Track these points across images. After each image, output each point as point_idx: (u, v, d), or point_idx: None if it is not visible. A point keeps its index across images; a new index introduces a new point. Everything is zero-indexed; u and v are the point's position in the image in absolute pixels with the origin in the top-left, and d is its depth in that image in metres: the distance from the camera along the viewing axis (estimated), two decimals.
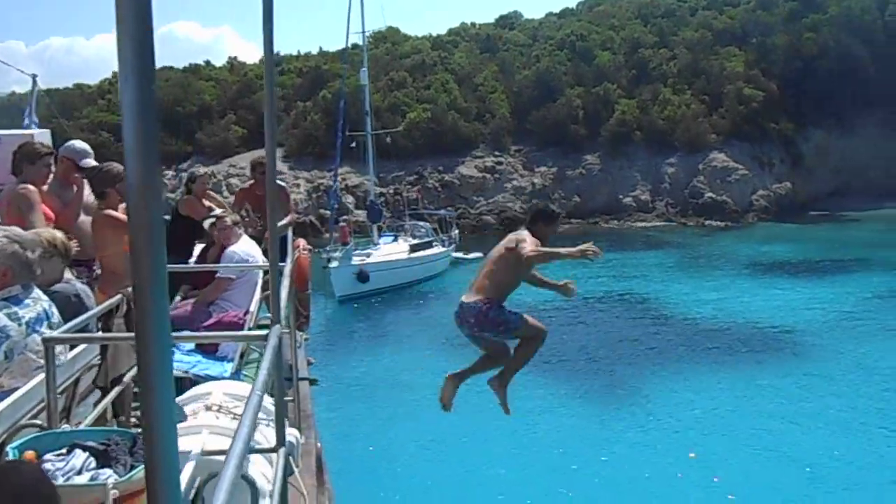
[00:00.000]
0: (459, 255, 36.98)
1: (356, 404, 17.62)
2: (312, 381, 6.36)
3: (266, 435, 3.32)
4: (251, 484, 2.96)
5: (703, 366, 20.36)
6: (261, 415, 2.83)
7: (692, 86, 55.10)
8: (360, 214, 42.28)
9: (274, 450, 3.10)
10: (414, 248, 32.54)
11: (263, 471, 3.22)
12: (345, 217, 39.22)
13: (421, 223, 36.18)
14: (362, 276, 29.15)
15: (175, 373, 3.77)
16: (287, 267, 4.85)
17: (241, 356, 5.53)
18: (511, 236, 6.20)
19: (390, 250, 31.50)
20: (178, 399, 3.55)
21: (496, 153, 52.97)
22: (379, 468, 14.07)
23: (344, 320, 26.86)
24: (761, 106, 52.88)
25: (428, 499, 12.87)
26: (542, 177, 52.37)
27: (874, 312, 25.61)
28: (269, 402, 3.24)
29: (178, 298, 6.36)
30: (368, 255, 30.72)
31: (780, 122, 53.66)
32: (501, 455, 14.41)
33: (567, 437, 15.47)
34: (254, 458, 3.17)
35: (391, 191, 46.96)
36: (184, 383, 4.53)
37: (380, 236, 33.13)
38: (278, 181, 4.42)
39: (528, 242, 5.84)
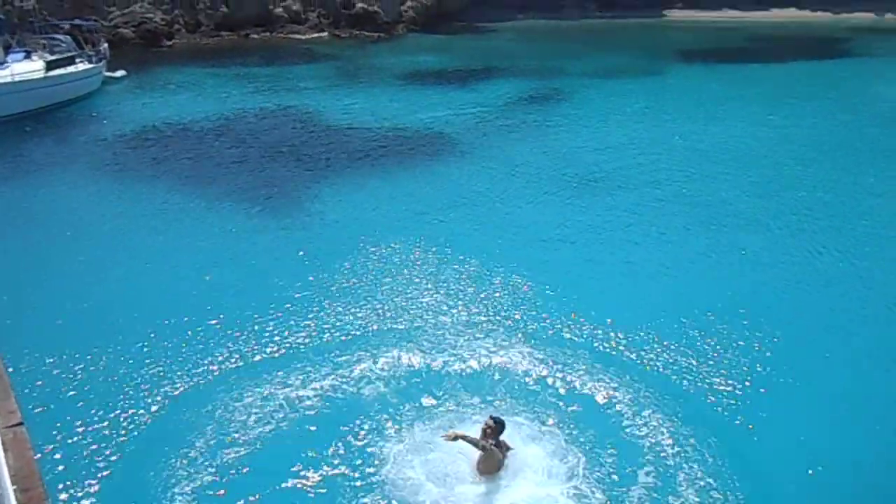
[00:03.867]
0: (107, 74, 35.56)
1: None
2: None
3: None
4: None
5: (366, 169, 23.48)
6: None
7: None
8: None
9: None
10: (51, 66, 30.61)
11: None
12: None
13: (60, 36, 33.81)
14: None
15: None
16: None
17: None
18: None
19: (22, 69, 29.33)
20: None
21: None
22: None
23: None
24: None
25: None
26: None
27: (508, 110, 31.12)
28: None
29: None
30: None
31: None
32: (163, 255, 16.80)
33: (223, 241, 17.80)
34: None
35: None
36: None
37: (7, 53, 30.50)
38: None
39: None
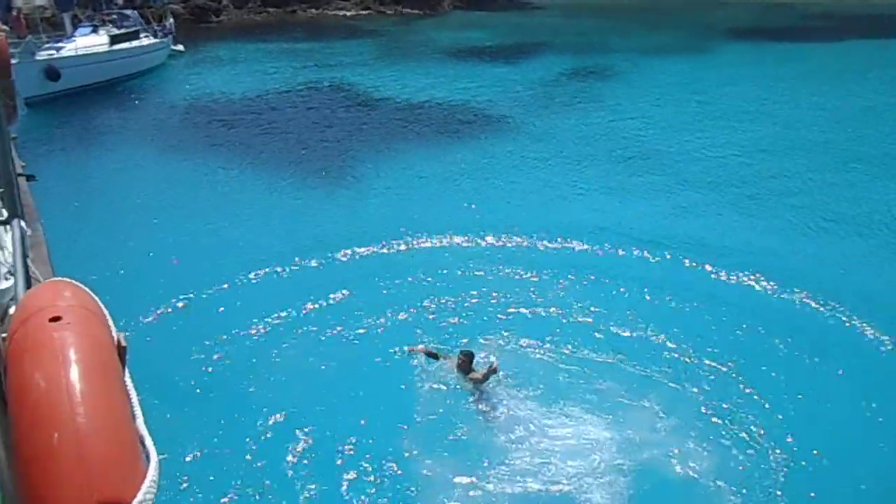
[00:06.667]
0: (173, 48, 37.36)
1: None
2: (29, 178, 6.29)
3: None
4: None
5: (415, 141, 24.52)
6: None
7: None
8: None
9: (7, 221, 3.19)
10: (116, 40, 31.88)
11: None
12: (16, 5, 36.07)
13: (128, 11, 35.26)
14: (51, 73, 28.30)
15: None
16: None
17: None
18: None
19: (87, 43, 30.57)
20: None
21: None
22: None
23: (36, 126, 25.74)
24: None
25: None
26: None
27: (552, 86, 31.97)
28: None
29: None
30: (59, 50, 29.67)
31: None
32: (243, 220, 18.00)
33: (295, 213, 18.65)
34: None
35: None
36: None
37: (75, 28, 31.78)
38: None
39: None
